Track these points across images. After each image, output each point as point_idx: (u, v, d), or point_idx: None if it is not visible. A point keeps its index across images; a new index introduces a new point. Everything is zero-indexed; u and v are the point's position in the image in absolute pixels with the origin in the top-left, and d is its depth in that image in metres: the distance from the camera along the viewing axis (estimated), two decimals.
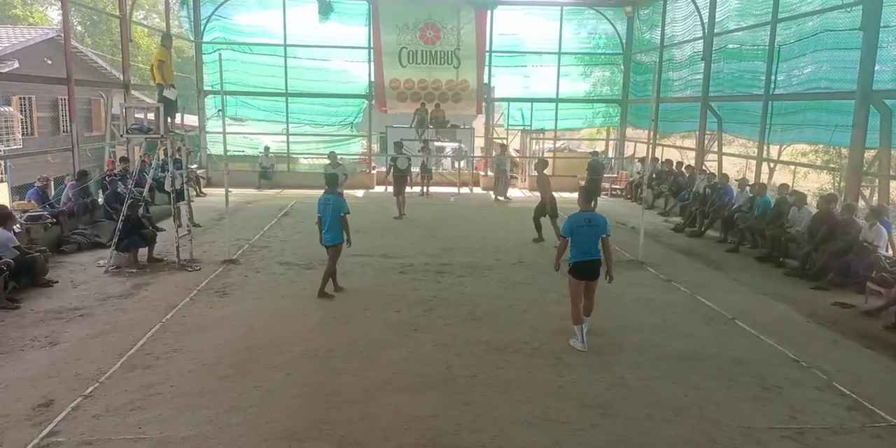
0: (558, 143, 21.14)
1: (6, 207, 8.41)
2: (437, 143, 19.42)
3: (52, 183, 14.44)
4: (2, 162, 17.41)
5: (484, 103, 19.40)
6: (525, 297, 7.93)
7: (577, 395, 5.26)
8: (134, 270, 8.89)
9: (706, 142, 15.65)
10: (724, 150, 15.77)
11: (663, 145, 19.23)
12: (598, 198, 6.75)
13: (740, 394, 5.37)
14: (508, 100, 19.85)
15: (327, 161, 14.01)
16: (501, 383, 5.45)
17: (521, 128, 20.01)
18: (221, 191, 10.38)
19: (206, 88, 18.69)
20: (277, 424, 4.66)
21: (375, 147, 20.05)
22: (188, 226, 9.99)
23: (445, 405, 5.02)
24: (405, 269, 9.22)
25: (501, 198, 16.76)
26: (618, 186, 18.55)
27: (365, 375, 5.54)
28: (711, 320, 7.30)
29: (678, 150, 20.07)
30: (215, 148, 18.73)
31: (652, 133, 13.73)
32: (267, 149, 18.44)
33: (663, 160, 16.84)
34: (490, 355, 6.07)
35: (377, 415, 4.84)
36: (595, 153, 17.59)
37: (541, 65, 19.66)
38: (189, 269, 9.00)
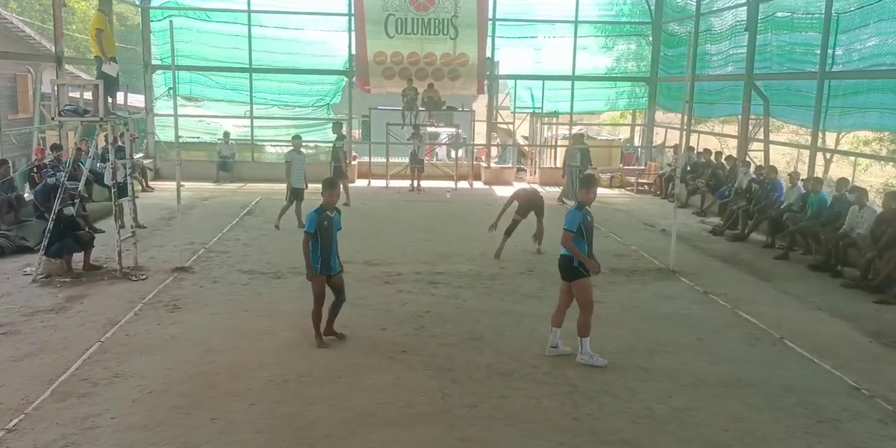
0: (575, 129, 21.17)
1: None
2: (430, 129, 19.42)
3: None
4: None
5: (486, 81, 19.44)
6: (534, 313, 7.92)
7: (595, 429, 5.28)
8: (67, 280, 8.87)
9: (750, 128, 15.72)
10: (772, 137, 15.86)
11: (699, 132, 19.29)
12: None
13: (791, 428, 5.39)
14: (515, 77, 19.89)
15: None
16: (506, 415, 5.46)
17: (531, 111, 20.06)
18: (172, 185, 10.37)
19: (154, 62, 18.63)
20: None
21: (357, 133, 20.06)
22: (132, 227, 9.97)
23: (439, 441, 5.03)
24: (392, 279, 9.23)
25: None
26: (645, 181, 18.62)
27: (343, 406, 5.54)
28: (756, 340, 7.32)
29: (717, 138, 20.16)
30: (165, 133, 18.69)
31: (686, 117, 13.82)
32: (227, 134, 18.40)
33: (699, 150, 16.90)
34: (493, 382, 6.08)
35: None
36: (580, 136, 17.32)
37: (554, 36, 19.71)
38: (133, 278, 8.99)
